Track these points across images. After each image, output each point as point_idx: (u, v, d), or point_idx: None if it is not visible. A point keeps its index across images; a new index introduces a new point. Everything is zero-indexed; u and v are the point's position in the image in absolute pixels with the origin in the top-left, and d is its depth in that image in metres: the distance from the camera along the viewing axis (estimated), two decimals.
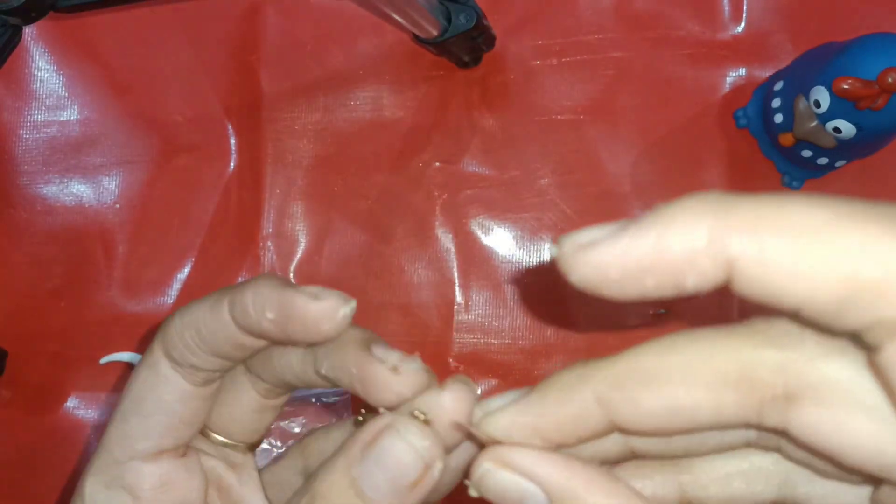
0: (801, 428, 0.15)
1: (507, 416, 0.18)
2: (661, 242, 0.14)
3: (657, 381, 0.16)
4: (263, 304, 0.21)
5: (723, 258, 0.14)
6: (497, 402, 0.19)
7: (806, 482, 0.19)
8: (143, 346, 0.52)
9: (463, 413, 0.20)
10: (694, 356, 0.16)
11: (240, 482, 0.26)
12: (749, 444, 0.19)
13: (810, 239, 0.13)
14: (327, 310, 0.20)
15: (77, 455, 0.52)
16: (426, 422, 0.19)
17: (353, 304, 0.21)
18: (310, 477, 0.21)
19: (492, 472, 0.18)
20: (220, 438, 0.25)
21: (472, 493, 0.19)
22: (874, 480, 0.17)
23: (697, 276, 0.14)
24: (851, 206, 0.14)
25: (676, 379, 0.16)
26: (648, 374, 0.17)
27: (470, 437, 0.20)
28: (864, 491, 0.18)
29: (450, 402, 0.20)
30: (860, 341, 0.14)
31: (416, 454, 0.19)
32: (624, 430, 0.18)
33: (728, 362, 0.15)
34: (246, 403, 0.25)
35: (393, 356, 0.20)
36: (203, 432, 0.25)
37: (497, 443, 0.18)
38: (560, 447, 0.18)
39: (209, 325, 0.22)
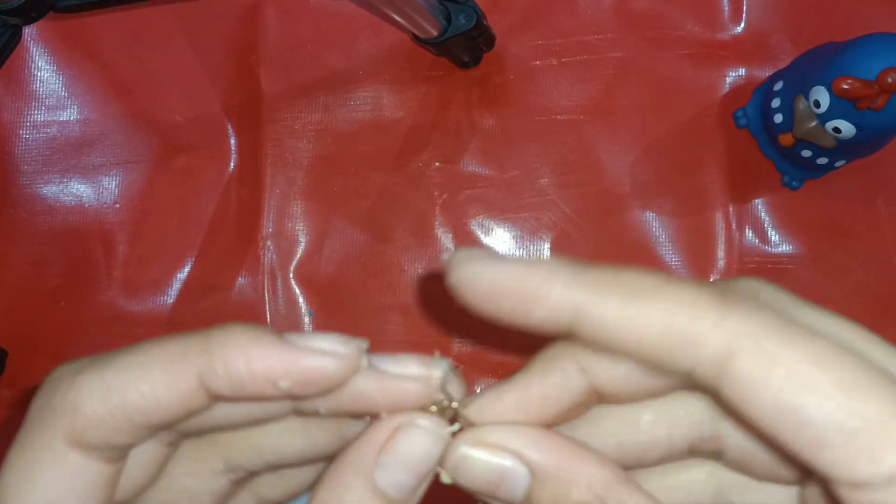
0: (732, 383, 0.16)
1: (490, 399, 0.18)
2: (523, 275, 0.17)
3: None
4: (268, 369, 0.17)
5: (569, 306, 0.16)
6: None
7: (740, 491, 0.20)
8: None
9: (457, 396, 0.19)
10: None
11: None
12: (691, 451, 0.19)
13: (636, 299, 0.16)
14: (351, 360, 0.17)
15: None
16: (450, 409, 0.19)
17: (365, 344, 0.18)
18: (316, 488, 0.18)
19: (468, 456, 0.18)
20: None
21: (446, 479, 0.18)
22: (802, 476, 0.18)
23: (544, 312, 0.17)
24: (669, 280, 0.16)
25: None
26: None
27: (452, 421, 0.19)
28: (794, 493, 0.19)
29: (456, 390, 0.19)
30: (697, 383, 0.16)
31: (437, 441, 0.18)
32: (603, 396, 0.18)
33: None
34: (202, 483, 0.20)
35: (410, 364, 0.19)
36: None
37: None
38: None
39: (162, 397, 0.17)
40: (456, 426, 0.18)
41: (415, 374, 0.18)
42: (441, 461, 0.18)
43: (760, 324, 0.15)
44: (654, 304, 0.16)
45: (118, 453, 0.18)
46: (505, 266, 0.17)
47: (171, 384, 0.17)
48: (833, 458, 0.15)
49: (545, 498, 0.17)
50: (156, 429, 0.18)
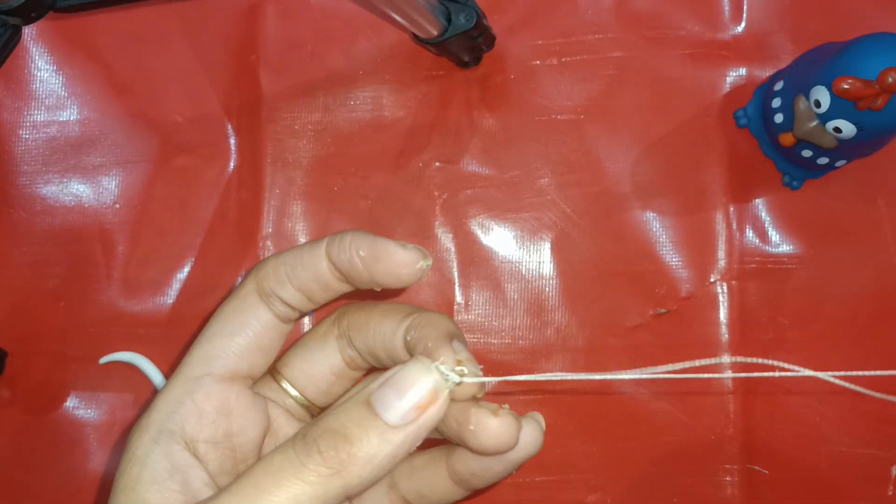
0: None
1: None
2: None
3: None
4: (359, 243, 0.25)
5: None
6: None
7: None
8: (143, 346, 0.52)
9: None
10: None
11: None
12: None
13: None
14: (410, 259, 0.24)
15: (77, 455, 0.52)
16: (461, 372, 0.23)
17: (430, 260, 0.25)
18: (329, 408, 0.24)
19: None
20: (293, 391, 0.27)
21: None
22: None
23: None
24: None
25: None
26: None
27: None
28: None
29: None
30: None
31: (431, 378, 0.22)
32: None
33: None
34: (328, 365, 0.27)
35: (464, 354, 0.24)
36: (277, 380, 0.27)
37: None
38: None
39: (304, 259, 0.25)
40: (454, 375, 0.22)
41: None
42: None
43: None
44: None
45: (285, 310, 0.26)
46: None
47: (309, 252, 0.26)
48: None
49: None
50: (300, 287, 0.26)
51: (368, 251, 0.24)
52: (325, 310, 0.28)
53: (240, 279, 0.52)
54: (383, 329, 0.26)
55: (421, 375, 0.22)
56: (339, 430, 0.22)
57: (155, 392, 0.51)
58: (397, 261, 0.24)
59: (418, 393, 0.22)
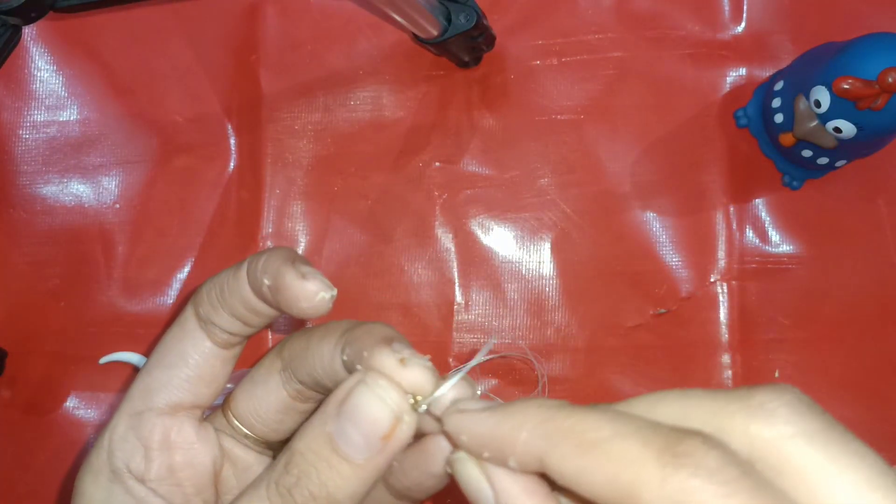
0: None
1: (469, 421, 0.20)
2: (496, 426, 0.19)
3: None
4: (266, 270, 0.23)
5: (534, 455, 0.18)
6: (467, 399, 0.21)
7: None
8: (143, 346, 0.52)
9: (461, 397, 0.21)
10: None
11: (258, 463, 0.26)
12: None
13: (588, 453, 0.17)
14: (308, 291, 0.22)
15: (77, 455, 0.52)
16: (416, 401, 0.21)
17: (333, 292, 0.22)
18: (291, 438, 0.22)
19: (464, 462, 0.20)
20: (242, 428, 0.26)
21: (446, 468, 0.20)
22: None
23: (515, 461, 0.18)
24: (628, 426, 0.17)
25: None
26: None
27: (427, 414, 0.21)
28: None
29: (448, 394, 0.21)
30: None
31: (387, 407, 0.20)
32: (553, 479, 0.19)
33: (624, 474, 0.17)
34: (273, 402, 0.26)
35: (406, 352, 0.21)
36: (227, 418, 0.26)
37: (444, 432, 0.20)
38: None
39: (230, 283, 0.24)
40: (420, 407, 0.20)
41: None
42: (453, 445, 0.20)
43: (702, 489, 0.15)
44: (601, 460, 0.17)
45: (223, 336, 0.25)
46: (482, 419, 0.19)
47: (233, 275, 0.24)
48: None
49: None
50: (235, 317, 0.24)
51: (272, 280, 0.23)
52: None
53: None
54: (322, 354, 0.24)
55: (371, 403, 0.20)
56: (312, 476, 0.20)
57: None
58: (295, 293, 0.22)
59: (377, 424, 0.20)
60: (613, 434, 0.17)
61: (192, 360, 0.24)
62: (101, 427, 0.25)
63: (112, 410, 0.25)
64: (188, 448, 0.24)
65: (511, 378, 0.50)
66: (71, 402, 0.52)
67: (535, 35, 0.51)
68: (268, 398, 0.26)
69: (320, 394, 0.26)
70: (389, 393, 0.20)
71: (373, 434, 0.20)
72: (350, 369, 0.22)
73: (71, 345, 0.52)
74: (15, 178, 0.53)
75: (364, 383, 0.20)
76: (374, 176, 0.51)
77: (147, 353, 0.51)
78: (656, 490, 0.16)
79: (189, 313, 0.25)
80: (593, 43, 0.51)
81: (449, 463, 0.20)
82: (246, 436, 0.26)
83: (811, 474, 0.16)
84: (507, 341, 0.50)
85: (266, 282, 0.23)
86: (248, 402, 0.26)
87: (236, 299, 0.24)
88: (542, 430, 0.18)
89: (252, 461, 0.26)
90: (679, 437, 0.16)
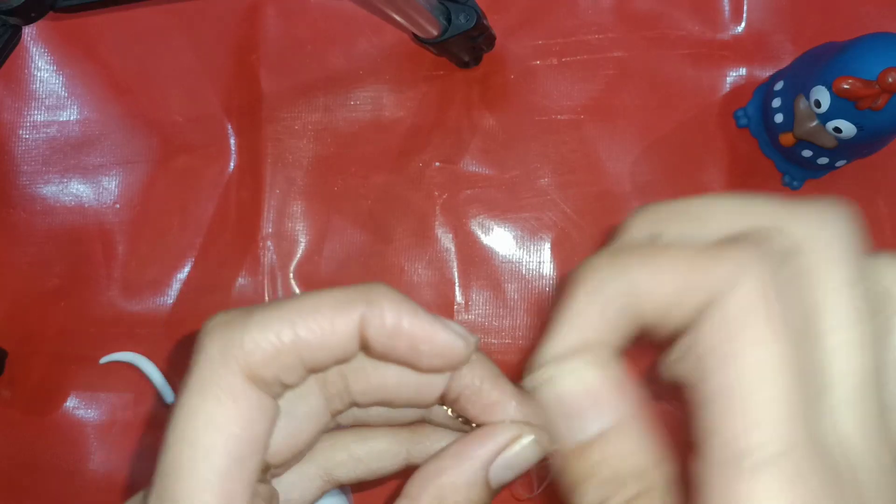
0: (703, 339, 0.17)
1: (575, 368, 0.19)
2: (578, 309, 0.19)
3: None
4: (415, 330, 0.19)
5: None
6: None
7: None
8: (143, 346, 0.52)
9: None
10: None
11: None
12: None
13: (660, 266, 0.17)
14: (472, 348, 0.21)
15: (77, 455, 0.52)
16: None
17: (477, 342, 0.22)
18: (427, 467, 0.21)
19: (557, 379, 0.19)
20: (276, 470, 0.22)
21: (528, 386, 0.20)
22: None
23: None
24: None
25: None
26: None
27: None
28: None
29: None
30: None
31: (540, 451, 0.21)
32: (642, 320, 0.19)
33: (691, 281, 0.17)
34: (315, 425, 0.22)
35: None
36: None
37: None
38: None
39: (328, 336, 0.19)
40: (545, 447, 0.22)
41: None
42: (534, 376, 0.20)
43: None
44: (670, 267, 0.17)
45: (282, 390, 0.19)
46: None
47: (339, 324, 0.19)
48: (728, 436, 0.16)
49: (594, 458, 0.19)
50: (314, 369, 0.20)
51: (430, 346, 0.20)
52: None
53: (241, 278, 0.52)
54: (409, 382, 0.22)
55: (535, 454, 0.22)
56: None
57: (156, 395, 0.51)
58: (452, 353, 0.20)
59: (528, 464, 0.22)
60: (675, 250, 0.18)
61: (265, 436, 0.19)
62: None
63: (111, 409, 0.22)
64: None
65: (511, 378, 0.50)
66: (71, 402, 0.52)
67: (535, 35, 0.51)
68: (308, 425, 0.22)
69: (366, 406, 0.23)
70: (544, 442, 0.21)
71: (519, 472, 0.22)
72: (463, 406, 0.23)
73: (71, 345, 0.52)
74: (15, 178, 0.53)
75: (531, 439, 0.22)
76: (374, 176, 0.51)
77: (150, 354, 0.51)
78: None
79: (235, 380, 0.18)
80: (593, 43, 0.51)
81: (540, 381, 0.19)
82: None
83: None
84: (507, 341, 0.50)
85: (423, 348, 0.20)
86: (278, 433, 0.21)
87: (334, 357, 0.19)
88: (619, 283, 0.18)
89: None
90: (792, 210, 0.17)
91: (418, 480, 0.21)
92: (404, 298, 0.20)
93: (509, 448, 0.21)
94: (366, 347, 0.20)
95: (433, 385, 0.22)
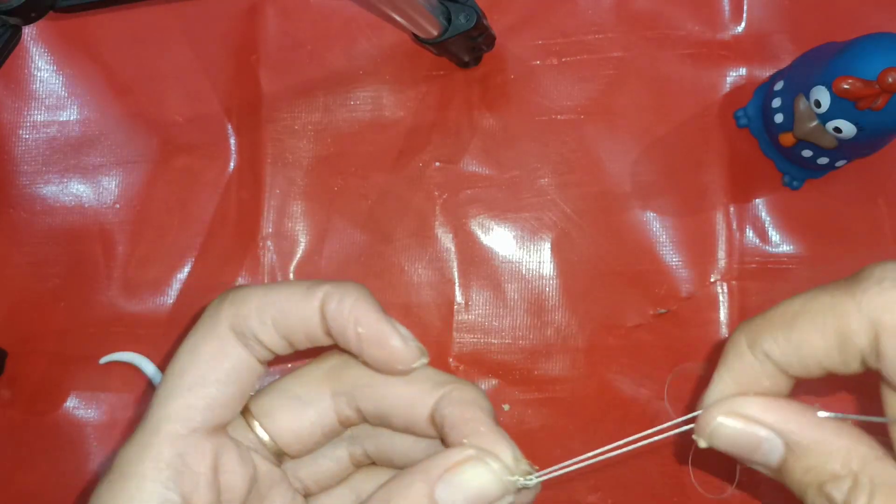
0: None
1: (722, 405, 0.21)
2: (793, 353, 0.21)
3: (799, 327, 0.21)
4: (361, 318, 0.23)
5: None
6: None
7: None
8: (143, 346, 0.52)
9: None
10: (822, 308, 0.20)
11: (271, 473, 0.25)
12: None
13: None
14: (408, 357, 0.23)
15: (77, 455, 0.52)
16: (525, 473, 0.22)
17: (426, 360, 0.24)
18: (384, 486, 0.22)
19: (724, 424, 0.21)
20: (269, 441, 0.25)
21: (702, 444, 0.21)
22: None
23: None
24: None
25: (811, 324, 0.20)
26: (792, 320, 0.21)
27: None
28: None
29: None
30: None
31: (498, 485, 0.22)
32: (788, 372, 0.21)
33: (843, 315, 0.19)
34: (320, 425, 0.25)
35: (511, 447, 0.22)
36: (250, 424, 0.25)
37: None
38: None
39: (296, 308, 0.23)
40: (523, 480, 0.22)
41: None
42: (698, 428, 0.22)
43: None
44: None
45: (263, 353, 0.24)
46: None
47: (304, 299, 0.23)
48: None
49: (800, 468, 0.20)
50: (287, 337, 0.23)
51: (368, 331, 0.23)
52: None
53: (241, 278, 0.52)
54: (404, 397, 0.24)
55: (490, 483, 0.22)
56: None
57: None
58: (393, 355, 0.23)
59: (483, 499, 0.22)
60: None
61: (236, 377, 0.23)
62: (119, 448, 0.23)
63: (135, 428, 0.23)
64: (232, 472, 0.23)
65: (511, 378, 0.50)
66: (71, 402, 0.52)
67: (535, 35, 0.51)
68: (315, 419, 0.25)
69: (374, 425, 0.26)
70: (503, 475, 0.22)
71: (474, 498, 0.22)
72: (445, 429, 0.23)
73: (71, 345, 0.52)
74: (15, 178, 0.53)
75: (484, 463, 0.22)
76: (374, 176, 0.51)
77: (150, 354, 0.51)
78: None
79: (225, 325, 0.23)
80: (593, 43, 0.51)
81: (709, 431, 0.21)
82: (267, 446, 0.25)
83: None
84: (507, 341, 0.50)
85: (360, 330, 0.23)
86: (291, 421, 0.25)
87: (300, 328, 0.23)
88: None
89: (266, 470, 0.25)
90: None
91: (377, 492, 0.23)
92: (369, 298, 0.23)
93: (458, 469, 0.22)
94: (327, 330, 0.23)
95: (421, 404, 0.24)
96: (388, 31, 0.51)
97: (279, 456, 0.26)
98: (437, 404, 0.23)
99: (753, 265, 0.50)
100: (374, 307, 0.23)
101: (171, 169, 0.53)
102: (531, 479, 0.22)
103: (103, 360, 0.52)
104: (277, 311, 0.23)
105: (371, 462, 0.27)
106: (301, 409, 0.25)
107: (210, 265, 0.52)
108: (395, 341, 0.23)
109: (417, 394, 0.24)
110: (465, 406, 0.23)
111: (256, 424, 0.25)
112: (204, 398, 0.23)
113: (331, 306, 0.23)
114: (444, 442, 0.23)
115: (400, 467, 0.26)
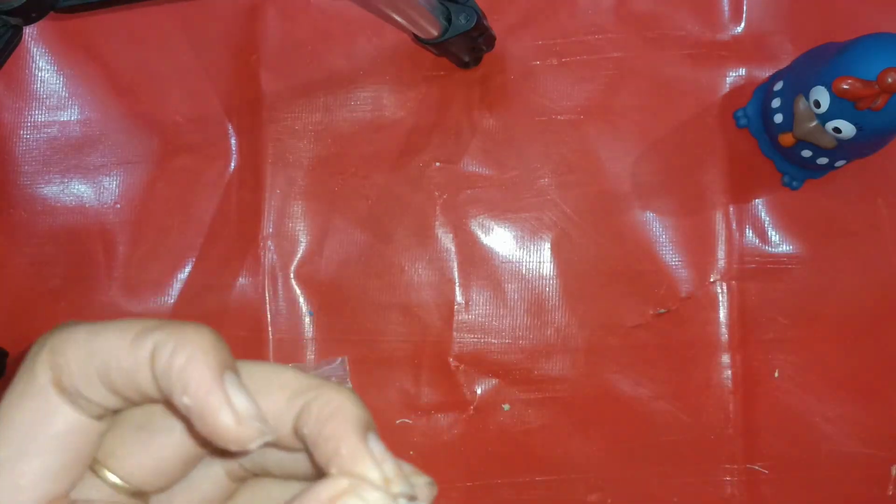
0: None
1: None
2: None
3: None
4: (188, 382, 0.18)
5: None
6: None
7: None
8: None
9: None
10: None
11: None
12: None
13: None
14: (241, 437, 0.18)
15: None
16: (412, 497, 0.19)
17: (268, 438, 0.19)
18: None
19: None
20: (121, 483, 0.21)
21: None
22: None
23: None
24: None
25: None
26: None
27: None
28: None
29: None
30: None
31: None
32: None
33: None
34: (181, 453, 0.21)
35: (387, 458, 0.19)
36: (100, 475, 0.21)
37: None
38: None
39: (122, 363, 0.19)
40: (404, 502, 0.19)
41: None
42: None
43: None
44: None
45: (95, 409, 0.20)
46: None
47: (129, 354, 0.19)
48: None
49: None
50: (118, 392, 0.19)
51: (195, 403, 0.18)
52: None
53: (242, 278, 0.52)
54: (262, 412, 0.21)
55: None
56: None
57: None
58: (223, 437, 0.18)
59: None
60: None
61: (68, 442, 0.19)
62: None
63: None
64: None
65: (511, 378, 0.50)
66: None
67: (535, 35, 0.51)
68: (170, 450, 0.21)
69: None
70: (385, 502, 0.19)
71: None
72: (310, 447, 0.20)
73: None
74: (16, 179, 0.53)
75: (359, 497, 0.18)
76: (375, 176, 0.52)
77: None
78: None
79: (45, 380, 0.19)
80: (593, 43, 0.51)
81: None
82: (123, 489, 0.21)
83: None
84: (507, 341, 0.50)
85: (185, 400, 0.18)
86: (141, 456, 0.21)
87: (127, 385, 0.19)
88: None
89: None
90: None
91: None
92: (208, 353, 0.19)
93: (338, 499, 0.18)
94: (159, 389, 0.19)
95: (280, 418, 0.20)
96: (388, 31, 0.51)
97: (142, 496, 0.22)
98: (296, 419, 0.20)
99: (753, 265, 0.50)
100: (210, 367, 0.18)
101: (172, 169, 0.53)
102: (415, 501, 0.19)
103: None
104: (100, 362, 0.19)
105: (253, 474, 0.23)
106: (149, 440, 0.21)
107: (211, 265, 0.52)
108: (225, 418, 0.18)
109: (274, 407, 0.20)
110: (326, 421, 0.20)
111: (104, 470, 0.21)
112: (28, 474, 0.19)
113: (160, 361, 0.18)
114: (312, 462, 0.21)
115: (281, 477, 0.23)
